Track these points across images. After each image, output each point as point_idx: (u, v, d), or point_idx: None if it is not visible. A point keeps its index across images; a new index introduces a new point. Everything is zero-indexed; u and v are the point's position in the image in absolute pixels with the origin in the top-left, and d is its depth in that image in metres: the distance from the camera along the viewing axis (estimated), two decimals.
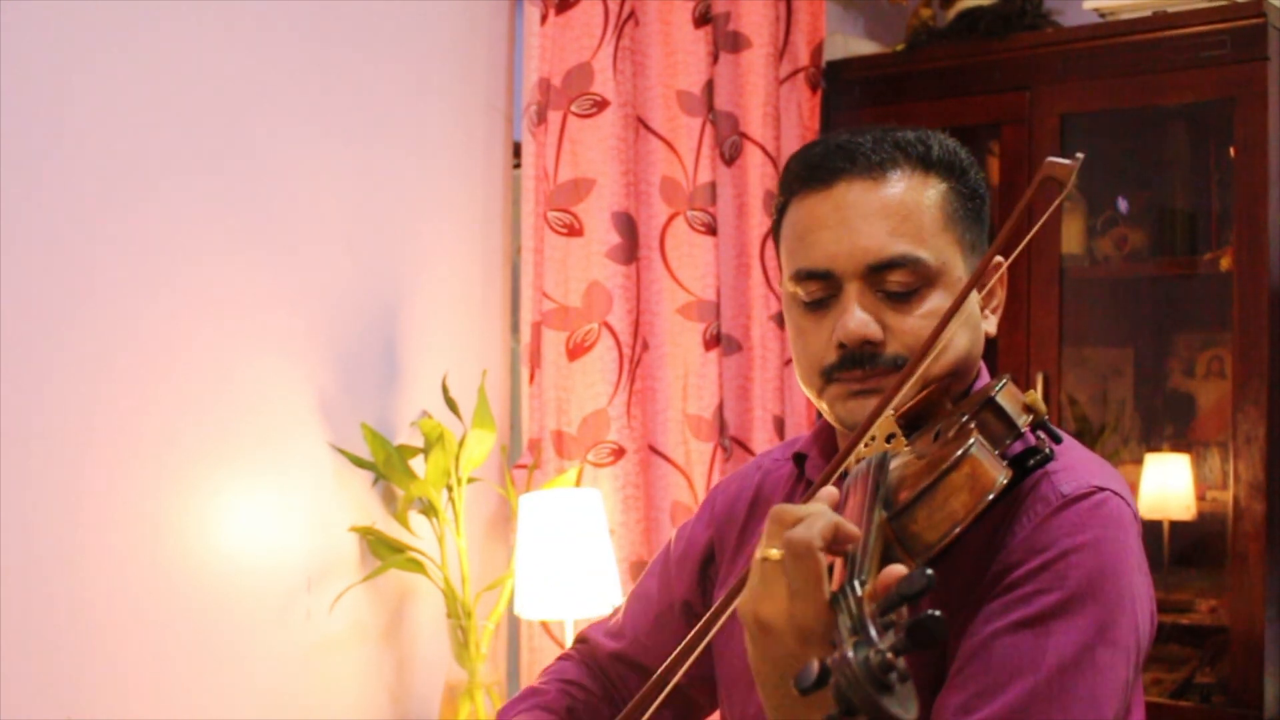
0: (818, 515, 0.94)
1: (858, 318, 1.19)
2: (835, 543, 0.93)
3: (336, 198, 2.22)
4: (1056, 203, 1.18)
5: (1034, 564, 1.09)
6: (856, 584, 0.88)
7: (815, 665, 0.78)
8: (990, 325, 1.28)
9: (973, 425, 1.07)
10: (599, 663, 1.47)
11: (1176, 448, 2.84)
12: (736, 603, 0.98)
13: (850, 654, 0.77)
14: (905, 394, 1.14)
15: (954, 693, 1.08)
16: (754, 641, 0.96)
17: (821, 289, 1.22)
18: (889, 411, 1.14)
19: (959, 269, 1.22)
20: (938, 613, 0.77)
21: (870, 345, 1.19)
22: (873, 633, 0.80)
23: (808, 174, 1.24)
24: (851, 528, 0.93)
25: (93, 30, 1.87)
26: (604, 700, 1.44)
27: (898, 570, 0.90)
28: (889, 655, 0.76)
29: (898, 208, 1.21)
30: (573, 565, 2.16)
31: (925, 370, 1.16)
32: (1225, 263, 2.58)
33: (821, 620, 0.90)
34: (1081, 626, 1.06)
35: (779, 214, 1.29)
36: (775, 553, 0.94)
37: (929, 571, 0.81)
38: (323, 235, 2.20)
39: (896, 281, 1.20)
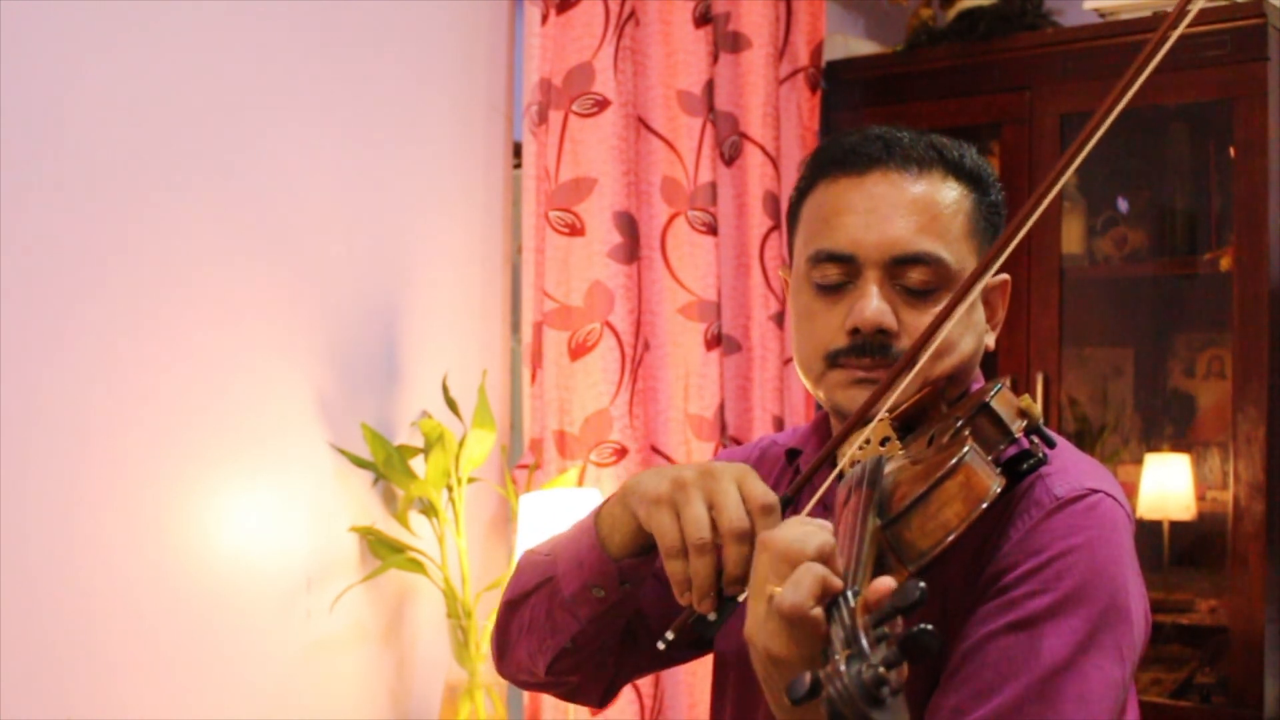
0: (805, 571, 0.92)
1: (876, 305, 1.19)
2: (825, 594, 0.91)
3: (337, 198, 2.22)
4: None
5: (1028, 566, 1.10)
6: (850, 594, 0.88)
7: (808, 677, 0.78)
8: (990, 340, 1.28)
9: (967, 432, 1.07)
10: None
11: (1176, 448, 2.84)
12: (745, 629, 0.97)
13: (843, 667, 0.77)
14: (904, 390, 1.14)
15: (948, 695, 1.08)
16: (764, 669, 0.96)
17: (839, 273, 1.22)
18: (884, 415, 1.13)
19: None
20: (930, 626, 0.76)
21: (883, 335, 1.19)
22: (865, 645, 0.80)
23: (843, 158, 1.24)
24: (837, 582, 0.92)
25: (92, 32, 1.87)
26: None
27: (887, 583, 0.89)
28: (881, 670, 0.76)
29: (928, 206, 1.21)
30: None
31: (927, 369, 1.15)
32: (1225, 263, 2.58)
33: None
34: (1074, 628, 1.07)
35: (800, 195, 1.29)
36: (775, 589, 0.93)
37: (921, 584, 0.80)
38: (323, 235, 2.20)
39: (917, 278, 1.20)
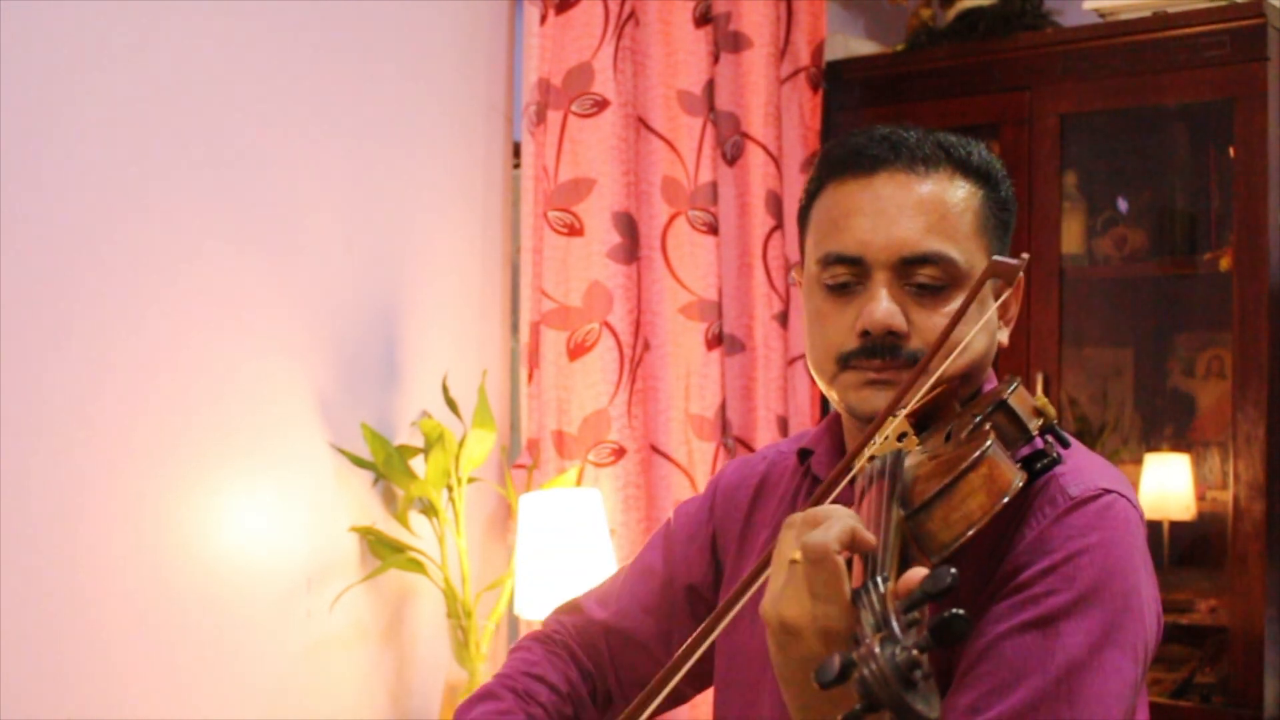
0: (835, 519, 0.94)
1: (885, 307, 1.19)
2: (852, 547, 0.93)
3: (336, 198, 2.22)
4: (1001, 299, 1.23)
5: (1042, 565, 1.10)
6: (879, 580, 0.88)
7: (837, 659, 0.78)
8: (1003, 336, 1.28)
9: (989, 426, 1.07)
10: (590, 636, 1.42)
11: (1176, 448, 2.84)
12: (761, 605, 0.98)
13: (877, 649, 0.78)
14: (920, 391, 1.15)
15: (963, 693, 1.08)
16: (778, 643, 0.97)
17: (849, 274, 1.22)
18: (901, 411, 1.14)
19: None
20: (962, 611, 0.77)
21: (893, 336, 1.19)
22: (897, 629, 0.80)
23: (850, 160, 1.24)
24: (868, 535, 0.94)
25: (93, 32, 1.87)
26: (568, 699, 1.38)
27: (920, 573, 0.90)
28: (915, 652, 0.77)
29: (936, 205, 1.21)
30: (573, 565, 2.16)
31: (942, 369, 1.16)
32: (1225, 263, 2.58)
33: (845, 621, 0.91)
34: (1090, 627, 1.07)
35: (810, 197, 1.29)
36: (796, 554, 0.94)
37: (953, 570, 0.81)
38: (323, 235, 2.20)
39: (927, 275, 1.20)
